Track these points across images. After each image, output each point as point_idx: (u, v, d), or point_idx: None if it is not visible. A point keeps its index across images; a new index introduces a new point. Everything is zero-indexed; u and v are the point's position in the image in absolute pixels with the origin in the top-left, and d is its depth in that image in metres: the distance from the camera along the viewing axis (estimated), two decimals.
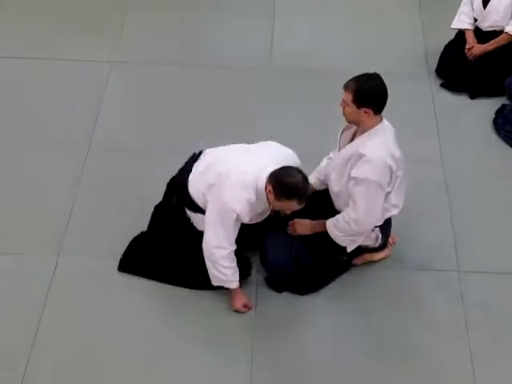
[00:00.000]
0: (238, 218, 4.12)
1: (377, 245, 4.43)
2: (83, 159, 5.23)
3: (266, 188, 4.07)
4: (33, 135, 5.40)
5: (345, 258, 4.46)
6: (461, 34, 5.99)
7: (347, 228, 4.19)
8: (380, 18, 6.60)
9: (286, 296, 4.49)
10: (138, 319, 4.37)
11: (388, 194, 4.18)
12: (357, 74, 4.11)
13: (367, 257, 4.60)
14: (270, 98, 5.75)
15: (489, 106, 5.76)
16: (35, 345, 4.21)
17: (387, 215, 4.30)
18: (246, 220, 4.16)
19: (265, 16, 6.56)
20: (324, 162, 4.57)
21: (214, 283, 4.33)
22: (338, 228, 4.22)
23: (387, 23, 6.55)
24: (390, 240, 4.61)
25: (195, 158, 4.39)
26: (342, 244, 4.30)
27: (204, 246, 4.22)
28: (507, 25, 5.75)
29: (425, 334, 4.34)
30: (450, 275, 4.64)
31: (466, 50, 5.88)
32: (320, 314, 4.43)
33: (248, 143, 4.54)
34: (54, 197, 4.99)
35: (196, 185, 4.27)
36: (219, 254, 4.19)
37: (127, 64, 6.01)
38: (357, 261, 4.58)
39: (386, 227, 4.39)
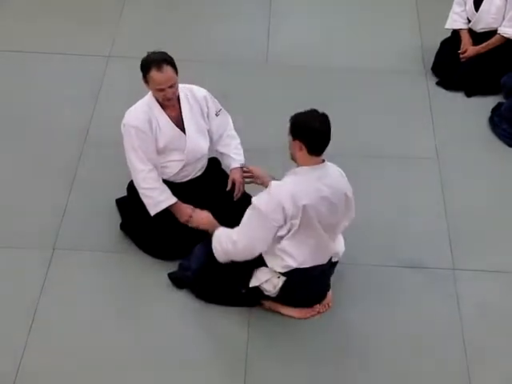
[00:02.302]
0: (140, 131, 4.33)
1: (272, 294, 4.24)
2: (79, 153, 5.23)
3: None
4: (29, 128, 5.40)
5: (243, 291, 4.28)
6: (457, 32, 5.99)
7: (225, 246, 4.11)
8: (377, 15, 6.59)
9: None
10: (134, 314, 4.37)
11: (280, 237, 4.02)
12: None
13: (274, 305, 4.38)
14: (266, 94, 5.75)
15: (485, 104, 5.76)
16: (30, 338, 4.21)
17: (283, 263, 4.10)
18: (149, 132, 4.35)
19: (262, 13, 6.54)
20: None
21: (152, 212, 4.44)
22: (219, 241, 4.17)
23: (384, 20, 6.54)
24: (316, 305, 4.40)
25: None
26: (218, 257, 4.20)
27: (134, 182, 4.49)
28: (500, 26, 5.77)
29: (419, 333, 4.34)
30: (444, 273, 4.64)
31: (460, 52, 5.89)
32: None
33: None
34: (50, 190, 4.98)
35: None
36: (139, 179, 4.41)
37: (125, 59, 6.00)
38: (265, 303, 4.37)
39: (292, 284, 4.18)
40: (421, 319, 4.41)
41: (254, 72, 5.97)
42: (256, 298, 4.34)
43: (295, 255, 4.07)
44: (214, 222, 4.42)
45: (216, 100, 4.62)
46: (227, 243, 4.10)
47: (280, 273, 4.15)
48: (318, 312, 4.39)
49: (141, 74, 4.35)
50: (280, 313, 4.37)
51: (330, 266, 4.32)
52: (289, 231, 3.99)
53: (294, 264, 4.08)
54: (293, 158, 4.05)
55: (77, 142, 5.31)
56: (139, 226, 4.62)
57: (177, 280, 4.46)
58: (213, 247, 4.21)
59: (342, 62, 6.10)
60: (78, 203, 4.91)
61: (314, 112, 3.96)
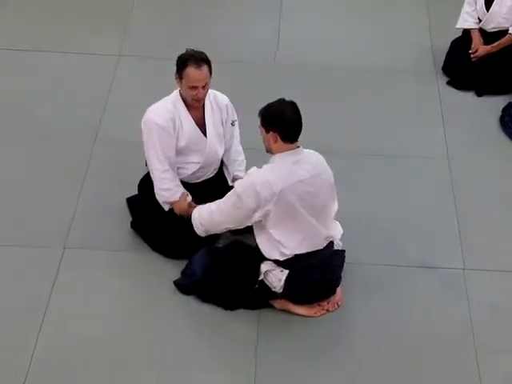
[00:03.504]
0: (162, 129, 4.35)
1: (277, 290, 4.25)
2: (89, 152, 5.24)
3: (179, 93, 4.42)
4: (39, 127, 5.41)
5: (256, 287, 4.29)
6: (467, 31, 5.99)
7: (203, 214, 4.30)
8: (388, 14, 6.60)
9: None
10: (143, 313, 4.37)
11: (262, 225, 4.14)
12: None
13: (285, 304, 4.36)
14: (275, 94, 5.73)
15: (495, 104, 5.76)
16: (40, 336, 4.21)
17: (278, 250, 4.18)
18: (172, 130, 4.37)
19: (271, 12, 6.56)
20: None
21: (166, 208, 4.51)
22: (198, 210, 4.35)
23: (395, 20, 6.55)
24: (325, 303, 4.39)
25: None
26: (196, 229, 4.37)
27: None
28: (511, 26, 5.78)
29: (430, 333, 4.33)
30: (455, 273, 4.63)
31: (471, 52, 5.89)
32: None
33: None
34: (60, 189, 4.99)
35: None
36: (155, 177, 4.45)
37: (135, 57, 6.02)
38: (275, 303, 4.36)
39: (295, 275, 4.21)
40: (431, 319, 4.39)
41: (263, 70, 5.99)
42: (265, 296, 4.34)
43: (285, 242, 4.16)
44: (188, 207, 4.48)
45: (234, 111, 4.65)
46: (206, 212, 4.30)
47: (280, 264, 4.20)
48: (328, 310, 4.40)
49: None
50: (290, 311, 4.37)
51: (333, 254, 4.34)
52: (266, 217, 4.09)
53: (286, 251, 4.17)
54: (268, 151, 4.17)
55: (87, 140, 5.32)
56: (150, 225, 4.63)
57: (182, 287, 4.45)
58: (192, 216, 4.37)
59: (352, 62, 6.10)
60: (88, 202, 4.92)
61: (283, 101, 4.10)
